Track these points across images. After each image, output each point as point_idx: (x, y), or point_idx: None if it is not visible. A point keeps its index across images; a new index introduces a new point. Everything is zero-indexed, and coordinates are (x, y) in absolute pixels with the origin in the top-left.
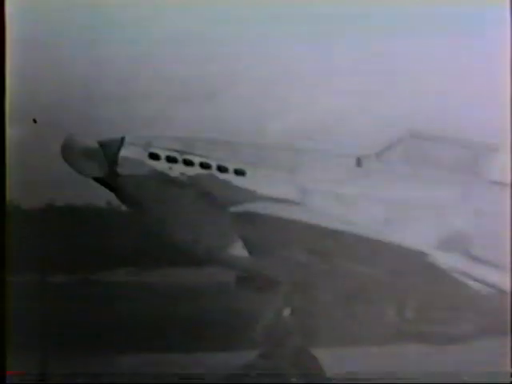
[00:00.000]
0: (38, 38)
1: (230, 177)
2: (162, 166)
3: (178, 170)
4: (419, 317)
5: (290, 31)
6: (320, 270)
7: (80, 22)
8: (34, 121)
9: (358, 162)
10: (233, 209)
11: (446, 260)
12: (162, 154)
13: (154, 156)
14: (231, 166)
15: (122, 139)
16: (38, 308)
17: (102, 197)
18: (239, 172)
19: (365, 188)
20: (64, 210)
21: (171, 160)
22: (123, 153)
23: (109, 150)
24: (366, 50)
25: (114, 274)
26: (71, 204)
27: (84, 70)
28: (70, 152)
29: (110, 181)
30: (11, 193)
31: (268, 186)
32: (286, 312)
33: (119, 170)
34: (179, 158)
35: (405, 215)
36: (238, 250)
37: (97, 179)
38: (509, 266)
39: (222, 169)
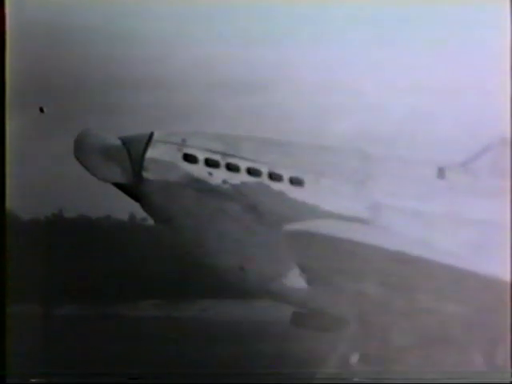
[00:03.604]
0: (46, 10)
1: (284, 187)
2: (199, 170)
3: (219, 176)
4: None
5: (356, 9)
6: (395, 307)
7: None
8: (41, 110)
9: (440, 173)
10: (288, 227)
11: None
12: (201, 155)
13: (190, 158)
14: (286, 174)
15: (150, 136)
16: (40, 348)
17: (124, 208)
18: (296, 181)
19: (449, 205)
20: (75, 223)
21: (211, 164)
22: (151, 153)
23: (133, 149)
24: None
25: (137, 307)
26: (85, 215)
27: (103, 49)
28: (85, 150)
29: (134, 188)
30: (7, 200)
31: (332, 200)
32: (354, 358)
33: (146, 174)
34: (221, 161)
35: (498, 239)
36: (294, 280)
37: (118, 185)
38: None
39: (274, 177)
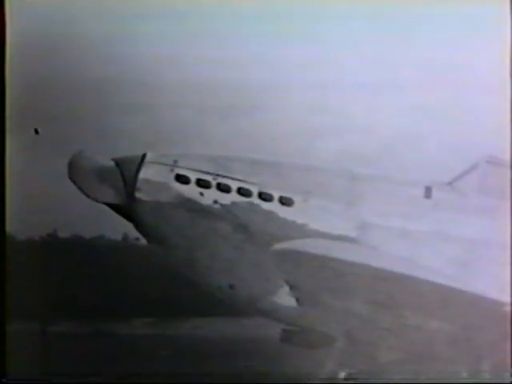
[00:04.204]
0: (43, 35)
1: (274, 206)
2: (191, 191)
3: (210, 196)
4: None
5: (346, 31)
6: (382, 324)
7: (92, 16)
8: (36, 131)
9: (427, 192)
10: (277, 246)
11: None
12: (192, 176)
13: (182, 178)
14: (276, 194)
15: (143, 157)
16: (37, 363)
17: (118, 228)
18: (286, 201)
19: (435, 223)
20: (69, 243)
21: (203, 184)
22: (144, 174)
23: (126, 170)
24: (433, 60)
25: (130, 325)
26: (78, 235)
27: (96, 73)
28: (78, 171)
29: (127, 208)
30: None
31: (321, 220)
32: (341, 375)
33: (138, 194)
34: (212, 181)
35: (483, 257)
36: (284, 298)
37: (111, 206)
38: None
39: (264, 196)
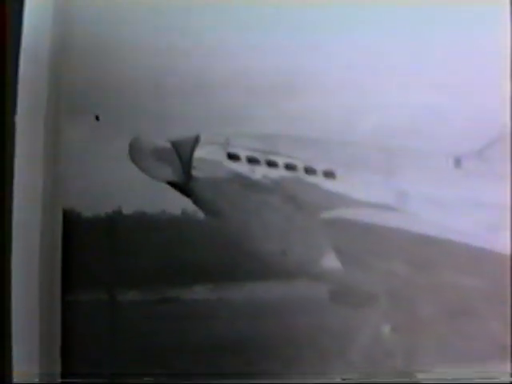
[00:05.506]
0: (95, 21)
1: (318, 179)
2: (242, 167)
3: (260, 172)
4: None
5: (377, 17)
6: (421, 283)
7: (144, 5)
8: (97, 118)
9: (457, 162)
10: (323, 215)
11: None
12: (243, 154)
13: (234, 156)
14: (320, 168)
15: (197, 138)
16: (107, 329)
17: (177, 204)
18: (329, 174)
19: (465, 190)
20: (133, 218)
21: (253, 161)
22: (198, 153)
23: (182, 151)
24: (455, 40)
25: (192, 291)
26: (141, 211)
27: (150, 60)
28: (139, 153)
29: (184, 185)
30: (70, 200)
31: (361, 190)
32: (386, 329)
33: (194, 172)
34: (261, 158)
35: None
36: (331, 262)
37: (170, 183)
38: None
39: (309, 170)
